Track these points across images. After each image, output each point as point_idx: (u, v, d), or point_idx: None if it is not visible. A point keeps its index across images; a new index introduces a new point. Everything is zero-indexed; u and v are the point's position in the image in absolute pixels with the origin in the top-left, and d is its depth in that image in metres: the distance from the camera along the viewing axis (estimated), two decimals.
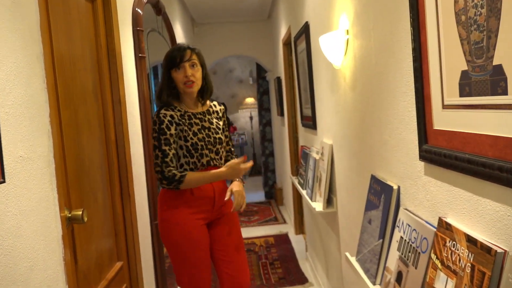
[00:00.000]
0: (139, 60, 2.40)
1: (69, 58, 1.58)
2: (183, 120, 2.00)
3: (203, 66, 2.05)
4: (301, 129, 3.65)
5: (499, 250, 0.81)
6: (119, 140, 2.04)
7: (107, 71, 2.00)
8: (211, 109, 2.13)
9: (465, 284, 0.89)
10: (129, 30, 2.35)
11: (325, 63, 2.33)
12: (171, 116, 1.98)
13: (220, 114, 2.17)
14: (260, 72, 6.74)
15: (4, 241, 1.00)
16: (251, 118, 9.19)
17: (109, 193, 1.93)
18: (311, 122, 2.97)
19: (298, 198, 4.68)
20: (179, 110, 2.02)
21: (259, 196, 7.01)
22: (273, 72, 5.99)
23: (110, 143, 1.96)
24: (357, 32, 1.72)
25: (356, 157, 1.87)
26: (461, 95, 0.91)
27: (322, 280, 3.14)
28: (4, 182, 0.97)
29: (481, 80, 0.83)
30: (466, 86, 0.89)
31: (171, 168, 1.92)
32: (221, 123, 2.15)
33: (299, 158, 3.40)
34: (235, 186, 2.03)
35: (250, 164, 2.04)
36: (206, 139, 2.02)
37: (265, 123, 6.81)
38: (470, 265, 0.88)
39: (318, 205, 2.47)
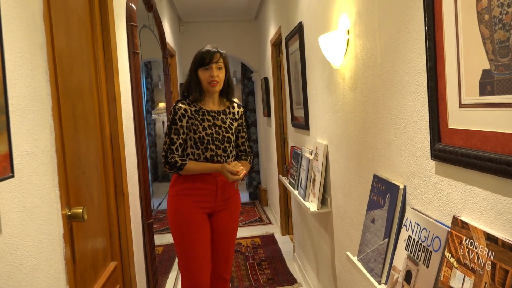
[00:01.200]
0: (133, 56, 2.35)
1: (67, 51, 1.53)
2: (196, 115, 2.21)
3: (227, 69, 2.27)
4: (291, 129, 3.65)
5: None
6: (114, 138, 1.99)
7: (102, 67, 1.95)
8: (227, 110, 2.33)
9: (485, 282, 0.89)
10: (123, 25, 2.30)
11: (322, 63, 2.33)
12: (185, 110, 2.21)
13: (237, 116, 2.37)
14: (246, 73, 6.72)
15: (11, 239, 0.96)
16: None
17: (104, 191, 1.88)
18: (303, 123, 2.97)
19: (284, 198, 4.68)
20: (194, 106, 2.24)
21: (243, 197, 6.93)
22: (260, 73, 5.99)
23: (105, 140, 1.91)
24: (359, 32, 1.73)
25: (356, 157, 1.88)
26: (482, 94, 0.91)
27: (312, 281, 3.15)
28: (13, 176, 0.92)
29: (505, 79, 0.84)
30: (488, 85, 0.89)
31: (175, 155, 2.16)
32: (235, 124, 2.34)
33: (290, 158, 3.40)
34: (243, 163, 2.33)
35: (238, 177, 2.15)
36: (214, 135, 2.22)
37: (250, 123, 6.79)
38: (490, 263, 0.89)
39: (312, 206, 2.46)
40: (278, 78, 4.55)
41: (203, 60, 2.20)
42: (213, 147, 2.21)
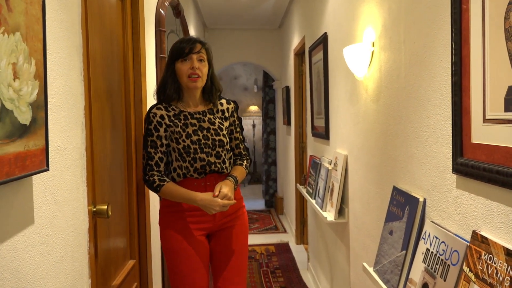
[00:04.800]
0: (160, 60, 2.42)
1: (100, 53, 1.59)
2: (177, 121, 1.84)
3: (210, 63, 1.91)
4: (310, 138, 3.66)
5: None
6: (138, 139, 2.04)
7: (131, 70, 2.01)
8: (215, 108, 1.94)
9: None
10: (152, 30, 2.37)
11: (345, 74, 2.35)
12: (161, 116, 1.83)
13: (228, 114, 1.97)
14: (267, 81, 6.78)
15: (42, 229, 1.00)
16: (253, 126, 9.21)
17: (126, 191, 1.93)
18: (323, 132, 2.98)
19: (301, 207, 4.68)
20: (173, 109, 1.86)
21: (259, 204, 7.00)
22: (281, 82, 6.02)
23: (130, 141, 1.97)
24: (384, 45, 1.74)
25: (376, 169, 1.88)
26: (507, 110, 0.92)
27: None
28: (48, 170, 0.97)
29: None
30: None
31: (154, 172, 1.81)
32: (226, 123, 1.94)
33: (308, 167, 3.41)
34: (224, 186, 1.78)
35: (228, 202, 1.75)
36: (202, 141, 1.84)
37: (269, 131, 6.83)
38: (509, 278, 0.89)
39: (329, 215, 2.47)
40: (300, 87, 4.58)
41: (181, 50, 1.82)
42: (203, 155, 1.82)
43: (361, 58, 1.92)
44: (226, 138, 1.91)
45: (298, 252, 4.48)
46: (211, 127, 1.88)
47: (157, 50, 2.41)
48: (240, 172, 1.94)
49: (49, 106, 1.03)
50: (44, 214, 1.02)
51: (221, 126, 1.91)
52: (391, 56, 1.67)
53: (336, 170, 2.49)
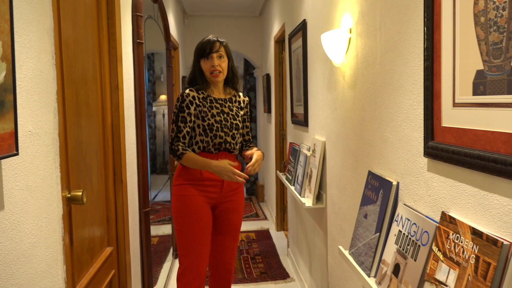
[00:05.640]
0: (137, 46, 2.38)
1: (73, 38, 1.55)
2: (204, 103, 2.19)
3: (229, 57, 2.24)
4: (290, 126, 3.68)
5: (505, 242, 0.85)
6: (115, 126, 2.02)
7: (107, 55, 1.97)
8: (234, 98, 2.32)
9: (469, 274, 0.92)
10: (128, 15, 2.32)
11: (323, 61, 2.36)
12: (193, 97, 2.17)
13: (243, 105, 2.36)
14: (248, 68, 6.75)
15: (12, 214, 0.99)
16: None
17: (103, 178, 1.91)
18: (302, 120, 3.00)
19: (281, 194, 4.72)
20: (202, 93, 2.21)
21: None
22: (262, 69, 6.01)
23: (106, 128, 1.94)
24: (361, 31, 1.75)
25: (352, 154, 1.91)
26: (475, 93, 0.94)
27: (304, 276, 3.18)
28: (17, 154, 0.95)
29: (497, 80, 0.87)
30: (481, 85, 0.92)
31: (180, 143, 2.13)
32: (241, 112, 2.33)
33: (288, 154, 3.43)
34: (257, 154, 2.22)
35: (239, 178, 2.05)
36: (223, 122, 2.20)
37: (250, 119, 6.82)
38: (474, 256, 0.92)
39: (307, 201, 2.50)
40: (280, 75, 4.58)
41: (203, 50, 2.19)
42: (222, 134, 2.18)
43: (338, 45, 1.93)
44: (240, 124, 2.29)
45: (278, 238, 4.53)
46: (230, 112, 2.25)
47: (134, 36, 2.37)
48: (259, 154, 2.25)
49: (18, 90, 1.01)
50: (15, 200, 1.00)
51: (238, 114, 2.29)
52: (368, 42, 1.68)
53: (315, 157, 2.51)
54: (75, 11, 1.58)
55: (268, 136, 5.47)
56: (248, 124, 2.40)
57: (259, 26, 6.05)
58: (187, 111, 2.14)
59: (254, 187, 6.79)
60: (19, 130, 1.02)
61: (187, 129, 2.14)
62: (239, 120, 2.27)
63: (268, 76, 5.19)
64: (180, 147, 2.12)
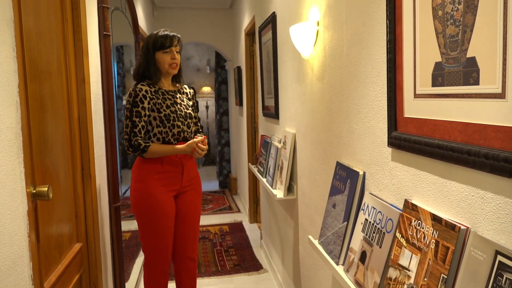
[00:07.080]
0: (104, 38, 2.33)
1: (36, 30, 1.51)
2: (157, 95, 2.26)
3: (180, 53, 2.37)
4: (261, 118, 3.70)
5: (462, 227, 0.89)
6: (82, 120, 1.98)
7: (72, 48, 1.92)
8: (182, 90, 2.42)
9: (429, 259, 0.96)
10: (94, 6, 2.27)
11: (292, 54, 2.38)
12: (146, 91, 2.23)
13: (190, 96, 2.47)
14: (219, 61, 6.72)
15: None
16: (207, 107, 9.14)
17: (71, 173, 1.87)
18: (273, 112, 3.02)
19: (253, 187, 4.74)
20: (153, 87, 2.29)
21: (213, 185, 7.01)
22: (233, 62, 5.99)
23: (73, 122, 1.90)
24: (328, 24, 1.78)
25: (321, 146, 1.94)
26: (434, 85, 0.98)
27: (277, 267, 3.22)
28: None
29: (454, 71, 0.90)
30: (439, 76, 0.96)
31: (138, 138, 2.19)
32: (190, 103, 2.43)
33: (259, 147, 3.45)
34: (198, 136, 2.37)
35: (202, 146, 2.25)
36: (178, 112, 2.29)
37: (222, 112, 6.81)
38: (434, 241, 0.96)
39: (279, 193, 2.53)
40: (251, 68, 4.58)
41: (163, 43, 2.26)
42: (179, 123, 2.27)
43: (306, 37, 1.95)
44: (193, 113, 2.41)
45: (251, 230, 4.56)
46: (182, 103, 2.35)
47: (100, 28, 2.31)
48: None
49: None
50: None
51: (188, 104, 2.40)
52: (334, 35, 1.71)
53: (285, 149, 2.54)
54: (38, 1, 1.54)
55: (240, 129, 5.48)
56: (196, 114, 2.49)
57: (230, 19, 6.02)
58: (141, 105, 2.20)
59: (227, 180, 6.80)
60: None
61: (142, 123, 2.20)
62: (192, 110, 2.40)
63: (239, 69, 5.18)
64: (140, 141, 2.18)
